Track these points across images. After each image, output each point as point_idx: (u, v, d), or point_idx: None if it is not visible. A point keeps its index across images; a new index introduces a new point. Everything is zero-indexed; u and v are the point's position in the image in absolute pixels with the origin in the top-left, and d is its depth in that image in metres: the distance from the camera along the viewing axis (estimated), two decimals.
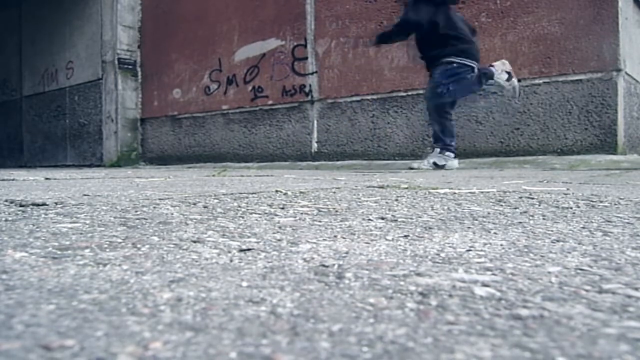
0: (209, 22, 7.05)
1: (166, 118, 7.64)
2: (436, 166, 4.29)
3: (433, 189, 1.89)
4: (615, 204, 1.35)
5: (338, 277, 0.60)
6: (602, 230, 0.93)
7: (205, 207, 1.31)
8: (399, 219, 1.09)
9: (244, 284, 0.57)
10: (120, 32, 7.69)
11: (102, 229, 0.94)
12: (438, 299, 0.51)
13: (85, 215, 1.11)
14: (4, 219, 1.06)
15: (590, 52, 4.51)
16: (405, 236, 0.88)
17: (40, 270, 0.62)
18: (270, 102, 6.48)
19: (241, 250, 0.75)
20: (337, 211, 1.24)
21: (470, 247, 0.78)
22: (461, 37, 4.28)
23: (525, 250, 0.76)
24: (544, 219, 1.09)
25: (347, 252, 0.74)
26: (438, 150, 4.36)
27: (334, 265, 0.66)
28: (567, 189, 1.84)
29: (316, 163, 5.81)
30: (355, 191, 1.82)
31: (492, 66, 4.30)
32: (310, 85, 6.12)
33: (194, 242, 0.82)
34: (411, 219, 1.10)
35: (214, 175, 3.35)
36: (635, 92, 4.92)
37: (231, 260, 0.68)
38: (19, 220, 1.04)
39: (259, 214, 1.18)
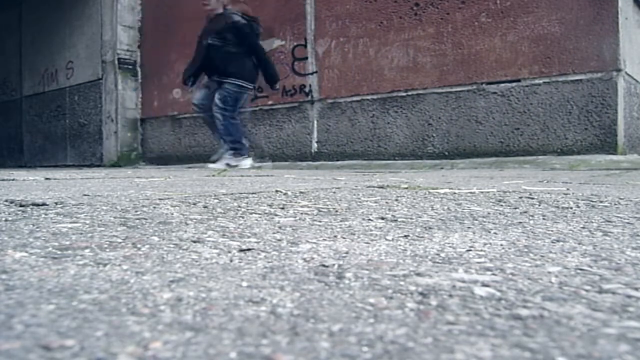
0: None
1: (166, 118, 7.63)
2: (229, 166, 4.94)
3: (433, 189, 1.89)
4: (615, 204, 1.35)
5: (338, 277, 0.60)
6: (602, 230, 0.93)
7: (205, 207, 1.31)
8: (399, 219, 1.09)
9: (244, 284, 0.57)
10: (120, 32, 7.69)
11: (102, 229, 0.94)
12: (438, 299, 0.51)
13: (85, 215, 1.11)
14: (4, 219, 1.06)
15: (590, 52, 4.51)
16: (405, 236, 0.88)
17: (40, 270, 0.62)
18: (270, 102, 6.47)
19: (241, 250, 0.75)
20: (337, 211, 1.24)
21: (470, 247, 0.78)
22: None
23: (525, 250, 0.76)
24: (544, 219, 1.09)
25: (347, 252, 0.74)
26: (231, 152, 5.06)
27: (334, 265, 0.66)
28: (567, 189, 1.84)
29: (316, 163, 5.80)
30: (355, 191, 1.82)
31: None
32: (310, 85, 6.12)
33: (194, 242, 0.82)
34: (411, 219, 1.10)
35: (214, 175, 3.35)
36: (635, 92, 4.92)
37: (231, 260, 0.68)
38: (19, 220, 1.04)
39: (259, 214, 1.18)
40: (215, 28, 4.99)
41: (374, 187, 2.04)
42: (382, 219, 1.10)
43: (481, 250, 0.75)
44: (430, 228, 0.97)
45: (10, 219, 1.06)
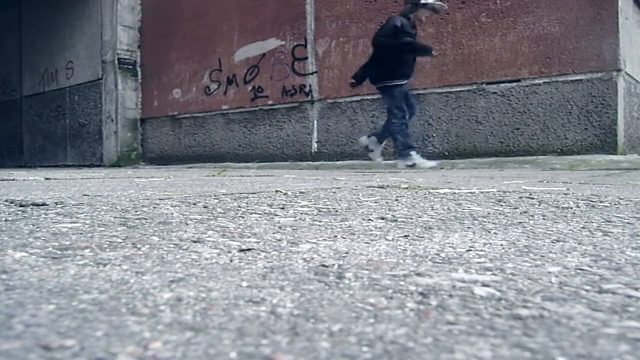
0: (209, 22, 7.05)
1: (166, 118, 7.63)
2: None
3: (433, 189, 1.89)
4: (615, 204, 1.35)
5: (338, 277, 0.60)
6: (602, 230, 0.93)
7: (205, 207, 1.31)
8: (399, 219, 1.09)
9: (244, 284, 0.57)
10: (120, 32, 7.69)
11: (102, 229, 0.94)
12: (438, 299, 0.51)
13: (85, 215, 1.11)
14: (4, 219, 1.06)
15: (590, 52, 4.51)
16: (405, 236, 0.88)
17: (40, 270, 0.62)
18: (270, 102, 6.48)
19: (241, 250, 0.75)
20: (337, 211, 1.24)
21: (470, 247, 0.78)
22: None
23: (525, 250, 0.76)
24: (544, 219, 1.09)
25: (347, 252, 0.74)
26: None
27: (334, 265, 0.66)
28: (567, 189, 1.84)
29: (316, 163, 5.80)
30: (355, 191, 1.82)
31: None
32: (310, 85, 6.12)
33: (194, 242, 0.82)
34: (411, 219, 1.10)
35: (214, 175, 3.35)
36: (635, 92, 4.92)
37: (231, 260, 0.68)
38: (19, 220, 1.04)
39: (259, 214, 1.18)
40: (402, 31, 4.59)
41: (374, 187, 2.04)
42: (382, 219, 1.10)
43: (481, 250, 0.75)
44: (430, 228, 0.97)
45: (10, 219, 1.06)
